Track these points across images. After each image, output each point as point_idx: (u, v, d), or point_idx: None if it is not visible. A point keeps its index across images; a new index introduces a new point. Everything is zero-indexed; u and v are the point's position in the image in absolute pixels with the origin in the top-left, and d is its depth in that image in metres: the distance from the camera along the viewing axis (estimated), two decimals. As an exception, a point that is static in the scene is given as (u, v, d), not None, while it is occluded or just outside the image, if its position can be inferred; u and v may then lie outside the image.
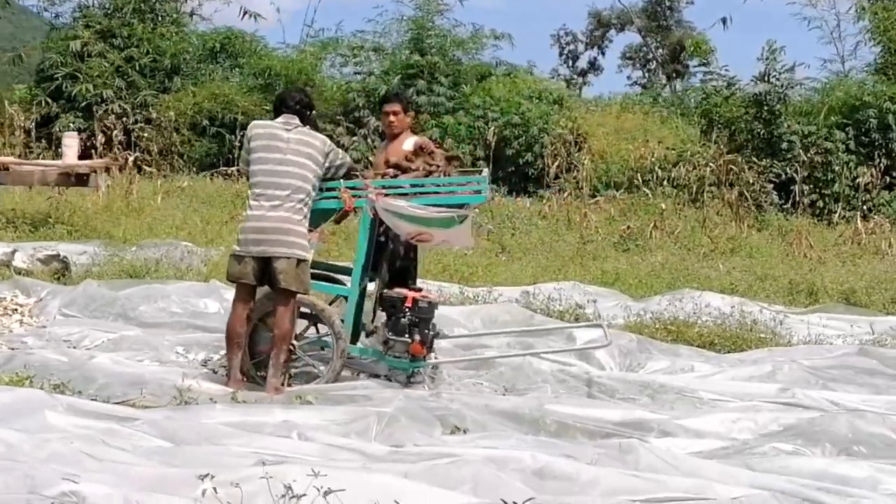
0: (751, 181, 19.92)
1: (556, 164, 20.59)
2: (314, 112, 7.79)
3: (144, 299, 9.03)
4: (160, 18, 24.21)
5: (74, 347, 7.77)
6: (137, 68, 22.47)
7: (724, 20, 34.52)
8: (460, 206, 7.53)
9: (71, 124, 21.01)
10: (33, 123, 20.64)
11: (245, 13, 25.56)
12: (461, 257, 13.77)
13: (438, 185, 7.59)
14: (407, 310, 7.37)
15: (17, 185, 14.37)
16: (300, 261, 7.04)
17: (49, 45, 23.76)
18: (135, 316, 8.83)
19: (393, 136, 8.30)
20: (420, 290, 7.69)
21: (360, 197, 7.43)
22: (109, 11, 23.96)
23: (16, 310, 8.78)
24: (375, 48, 24.98)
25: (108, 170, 16.89)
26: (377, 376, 7.64)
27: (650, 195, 19.64)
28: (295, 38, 27.26)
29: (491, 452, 5.51)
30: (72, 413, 5.54)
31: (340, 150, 7.57)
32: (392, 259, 8.10)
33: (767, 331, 9.86)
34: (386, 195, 7.41)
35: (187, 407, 6.18)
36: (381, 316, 7.63)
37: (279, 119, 7.37)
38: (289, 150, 7.15)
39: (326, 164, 7.32)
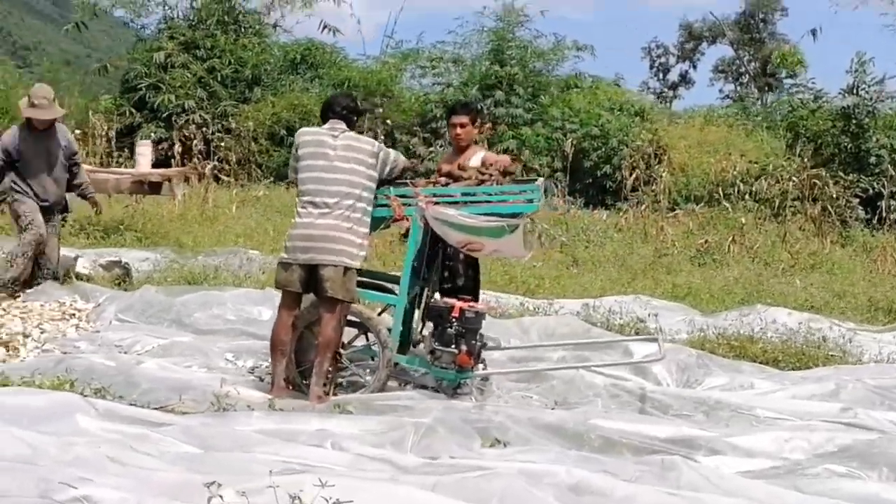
0: (835, 196, 19.48)
1: (634, 176, 20.35)
2: (361, 117, 7.72)
3: (200, 306, 9.05)
4: (243, 30, 24.48)
5: (125, 352, 7.81)
6: (219, 79, 22.74)
7: (813, 32, 34.03)
8: (514, 216, 7.40)
9: (152, 134, 21.37)
10: (115, 133, 20.95)
11: (325, 27, 25.69)
12: (529, 269, 13.65)
13: (490, 195, 7.46)
14: (454, 320, 7.27)
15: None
16: (347, 269, 6.98)
17: (134, 57, 24.21)
18: (189, 322, 8.85)
19: (460, 149, 8.24)
20: (469, 299, 7.56)
21: (409, 205, 7.33)
22: (194, 23, 24.33)
23: (73, 314, 8.87)
24: (455, 59, 25.00)
25: (187, 179, 17.15)
26: (425, 387, 7.53)
27: (730, 209, 19.31)
28: (376, 50, 27.35)
29: (526, 466, 5.40)
30: (105, 418, 5.56)
31: (392, 151, 7.50)
32: (452, 275, 8.06)
33: (836, 348, 9.56)
34: (436, 203, 7.31)
35: (224, 414, 6.16)
36: (429, 326, 7.52)
37: (326, 125, 7.32)
38: (336, 157, 7.10)
39: (379, 166, 7.23)
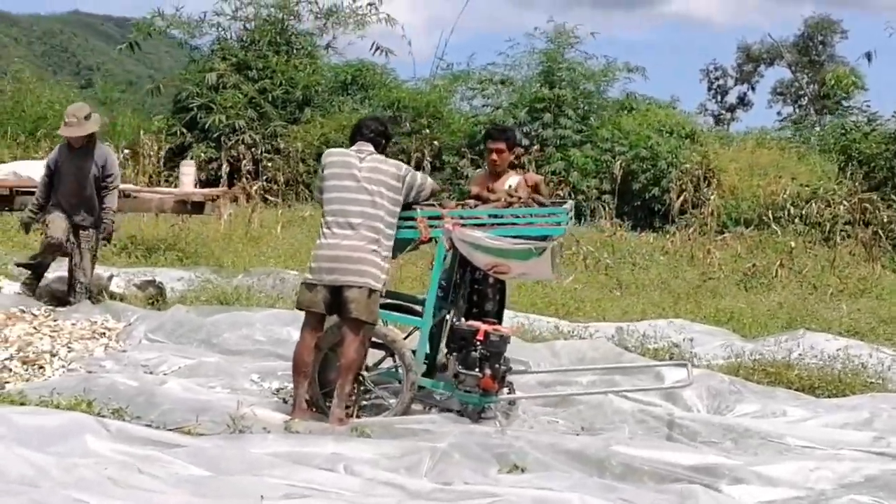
0: (887, 220, 19.18)
1: (682, 198, 20.18)
2: (390, 142, 7.69)
3: (230, 326, 9.04)
4: (294, 51, 24.63)
5: (151, 373, 7.82)
6: (270, 99, 22.86)
7: (868, 55, 33.60)
8: (543, 239, 7.34)
9: (202, 154, 21.54)
10: (165, 153, 21.14)
11: (377, 48, 25.76)
12: (570, 291, 13.59)
13: (517, 217, 7.41)
14: (478, 343, 7.21)
15: (136, 212, 14.68)
16: (371, 290, 6.94)
17: (187, 77, 24.40)
18: (218, 342, 8.84)
19: (496, 174, 8.22)
20: (494, 323, 7.50)
21: (436, 227, 7.29)
22: (246, 44, 24.49)
23: (104, 333, 8.90)
24: (504, 81, 24.98)
25: (235, 199, 17.27)
26: (450, 410, 7.46)
27: (780, 233, 19.08)
28: (426, 72, 27.34)
29: (540, 493, 5.37)
30: (117, 439, 5.56)
31: (419, 174, 7.46)
32: (480, 299, 8.02)
33: (876, 375, 9.35)
34: (463, 225, 7.27)
35: (240, 436, 6.15)
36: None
37: (353, 147, 7.30)
38: (362, 178, 7.07)
39: (405, 190, 7.20)
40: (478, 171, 8.91)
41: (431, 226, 7.30)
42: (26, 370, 7.65)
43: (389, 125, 7.84)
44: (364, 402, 7.38)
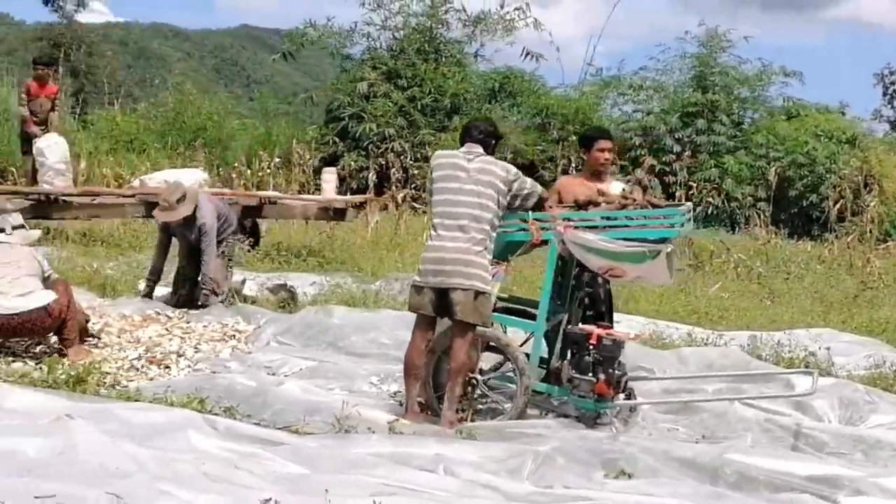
0: None
1: (839, 206, 19.54)
2: (500, 142, 7.63)
3: (356, 329, 9.12)
4: (442, 59, 24.75)
5: (273, 374, 7.93)
6: (419, 108, 23.01)
7: None
8: (663, 241, 7.18)
9: (352, 163, 21.83)
10: (318, 162, 21.48)
11: (527, 54, 25.66)
12: (715, 299, 13.30)
13: (630, 219, 7.27)
14: (591, 347, 7.10)
15: (280, 219, 14.98)
16: (478, 292, 6.89)
17: (338, 87, 24.76)
18: (344, 345, 8.93)
19: (599, 175, 8.08)
20: (609, 327, 7.38)
21: (547, 229, 7.21)
22: (396, 53, 24.73)
23: (233, 336, 9.09)
24: (656, 87, 24.63)
25: (385, 207, 17.47)
26: (568, 416, 7.36)
27: (947, 242, 18.32)
28: (575, 78, 27.01)
29: (639, 499, 5.32)
30: (223, 436, 5.64)
31: (529, 180, 7.37)
32: (593, 302, 7.93)
33: None
34: (575, 228, 7.16)
35: (345, 436, 6.16)
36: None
37: (462, 149, 7.27)
38: (469, 180, 7.03)
39: (512, 194, 7.14)
40: (566, 175, 8.73)
41: (543, 228, 7.21)
42: (152, 369, 7.84)
43: (499, 127, 7.77)
44: (480, 406, 7.34)
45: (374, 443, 5.95)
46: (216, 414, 6.30)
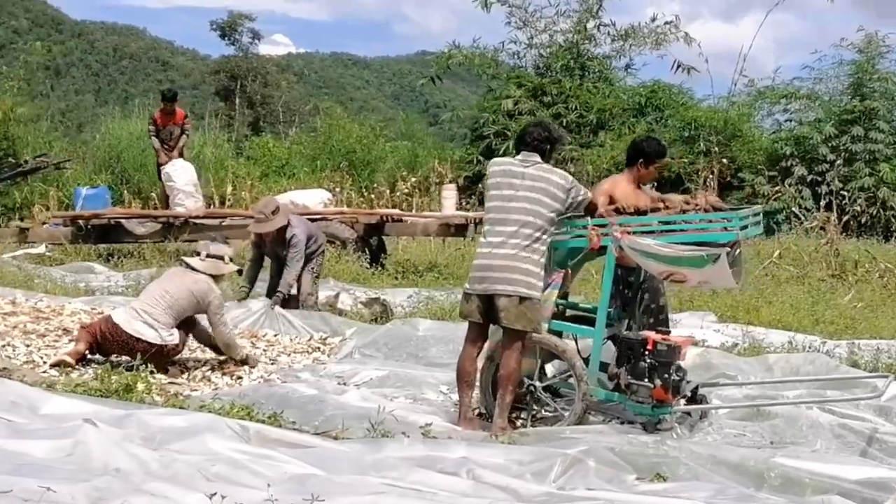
0: None
1: None
2: (557, 146, 7.56)
3: (438, 340, 9.18)
4: (588, 74, 24.61)
5: (344, 383, 8.02)
6: (564, 124, 22.91)
7: None
8: (732, 245, 7.02)
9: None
10: (461, 180, 21.62)
11: (678, 66, 25.22)
12: (846, 308, 12.77)
13: (688, 223, 7.12)
14: (646, 353, 6.97)
15: (403, 236, 15.16)
16: (523, 298, 6.85)
17: (483, 106, 24.87)
18: (424, 356, 9.00)
19: (639, 185, 8.04)
20: (668, 332, 7.22)
21: (606, 235, 7.12)
22: (542, 70, 24.71)
23: (317, 348, 9.25)
24: (809, 95, 23.89)
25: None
26: (632, 423, 7.24)
27: None
28: (724, 89, 26.26)
29: (658, 501, 5.21)
30: (245, 440, 5.78)
31: (583, 188, 7.29)
32: (655, 308, 7.80)
33: None
34: (632, 233, 7.05)
35: (379, 440, 6.20)
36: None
37: (518, 156, 7.24)
38: (522, 187, 7.01)
39: (568, 201, 7.08)
40: (610, 179, 8.57)
41: (602, 234, 7.12)
42: (223, 379, 8.05)
43: (554, 130, 7.69)
44: (545, 413, 7.30)
45: (405, 447, 5.98)
46: (260, 421, 6.41)
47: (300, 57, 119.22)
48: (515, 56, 25.56)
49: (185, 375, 8.08)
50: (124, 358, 8.00)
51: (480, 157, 23.19)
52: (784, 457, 6.07)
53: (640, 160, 8.13)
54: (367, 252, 14.03)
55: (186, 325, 8.30)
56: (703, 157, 22.02)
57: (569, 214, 7.18)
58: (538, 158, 7.17)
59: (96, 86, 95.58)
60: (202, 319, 8.42)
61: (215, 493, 4.29)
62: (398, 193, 20.76)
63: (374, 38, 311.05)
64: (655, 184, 18.72)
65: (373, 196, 20.61)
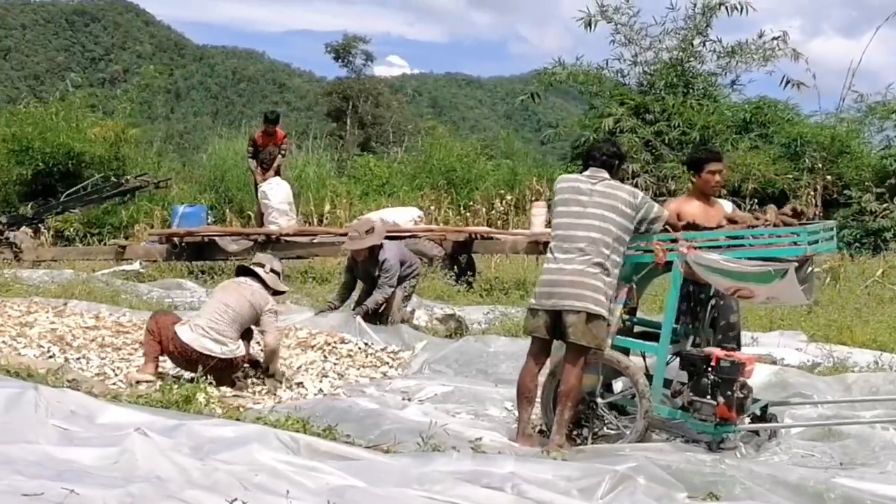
0: None
1: None
2: (624, 163, 7.50)
3: (509, 356, 9.12)
4: (692, 91, 24.29)
5: (409, 399, 8.01)
6: (666, 141, 22.66)
7: None
8: (803, 261, 6.86)
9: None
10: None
11: (787, 82, 24.68)
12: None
13: (755, 238, 6.98)
14: (709, 369, 6.84)
15: (492, 253, 15.15)
16: (591, 315, 6.78)
17: (585, 124, 24.73)
18: (493, 372, 8.97)
19: (707, 199, 7.85)
20: (731, 349, 7.07)
21: (672, 250, 7.02)
22: (645, 88, 24.48)
23: (388, 362, 9.26)
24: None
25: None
26: (697, 442, 7.10)
27: None
28: (832, 104, 25.44)
29: None
30: (294, 451, 5.78)
31: (656, 204, 7.20)
32: (725, 325, 7.67)
33: None
34: (698, 248, 6.94)
35: (429, 454, 6.17)
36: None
37: (586, 172, 7.19)
38: (590, 203, 6.96)
39: (638, 217, 7.00)
40: (679, 198, 8.45)
41: (668, 249, 7.03)
42: (287, 392, 8.12)
43: (622, 147, 7.62)
44: (607, 430, 7.21)
45: (453, 461, 5.92)
46: (314, 433, 6.44)
47: (414, 77, 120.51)
48: (619, 73, 25.34)
49: (250, 389, 8.16)
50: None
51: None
52: (847, 477, 5.92)
53: (691, 171, 8.03)
54: (456, 269, 14.02)
55: (246, 334, 8.43)
56: (807, 174, 21.55)
57: (643, 230, 7.11)
58: (606, 175, 7.12)
59: (214, 108, 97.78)
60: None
61: (235, 499, 4.30)
62: (494, 211, 20.77)
63: (489, 59, 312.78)
64: (756, 200, 18.70)
65: (468, 214, 20.63)
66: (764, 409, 7.41)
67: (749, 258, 6.87)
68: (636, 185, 21.20)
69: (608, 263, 6.88)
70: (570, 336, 6.83)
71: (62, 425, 5.86)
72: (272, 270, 8.65)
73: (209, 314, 8.24)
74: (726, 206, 7.81)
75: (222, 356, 8.05)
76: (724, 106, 24.56)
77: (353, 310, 10.65)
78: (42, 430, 5.51)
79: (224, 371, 8.03)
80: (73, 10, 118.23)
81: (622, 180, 7.61)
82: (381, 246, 10.77)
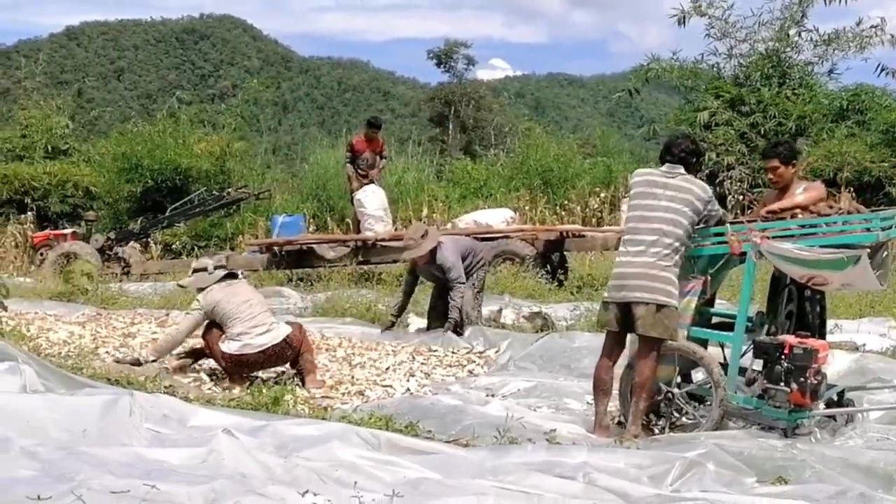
0: None
1: None
2: (701, 160, 7.65)
3: (593, 351, 9.12)
4: (787, 81, 24.04)
5: (492, 395, 8.24)
6: (763, 133, 22.46)
7: None
8: (877, 247, 6.94)
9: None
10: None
11: (882, 69, 24.30)
12: None
13: (824, 225, 7.08)
14: (782, 356, 6.94)
15: (584, 251, 15.28)
16: (660, 306, 6.95)
17: (680, 118, 24.63)
18: (576, 367, 9.11)
19: (782, 190, 7.99)
20: (805, 336, 7.16)
21: (746, 241, 7.16)
22: (740, 80, 24.30)
23: (473, 361, 9.51)
24: None
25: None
26: (773, 429, 7.20)
27: None
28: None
29: (769, 502, 5.21)
30: (375, 448, 6.02)
31: (717, 203, 7.37)
32: (800, 313, 7.76)
33: None
34: (770, 238, 7.07)
35: (505, 446, 6.37)
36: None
37: (663, 167, 7.36)
38: (664, 197, 7.14)
39: (704, 213, 7.18)
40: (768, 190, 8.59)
41: (742, 240, 7.17)
42: (375, 392, 8.42)
43: (699, 144, 7.77)
44: (685, 420, 7.36)
45: (528, 452, 6.12)
46: (397, 430, 6.70)
47: (516, 80, 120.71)
48: (715, 67, 25.16)
49: (338, 389, 8.49)
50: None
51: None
52: (917, 460, 5.99)
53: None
54: (549, 268, 14.19)
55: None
56: (907, 162, 21.16)
57: (700, 226, 7.28)
58: (682, 170, 7.28)
59: (321, 118, 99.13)
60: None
61: (307, 491, 4.56)
62: (589, 209, 20.87)
63: (590, 57, 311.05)
64: (852, 189, 18.46)
65: (563, 213, 20.75)
66: (840, 394, 7.48)
67: (823, 246, 6.98)
68: (731, 178, 21.17)
69: (678, 256, 7.05)
70: (639, 328, 7.01)
71: (155, 428, 6.20)
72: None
73: (258, 312, 8.73)
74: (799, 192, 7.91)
75: (280, 339, 8.63)
76: (821, 94, 24.22)
77: (443, 328, 10.84)
78: (135, 434, 5.83)
79: (290, 357, 8.75)
80: (182, 29, 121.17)
81: (700, 172, 7.77)
82: (438, 247, 11.02)
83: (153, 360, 8.73)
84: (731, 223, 7.36)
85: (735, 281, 9.66)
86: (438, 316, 11.03)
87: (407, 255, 11.09)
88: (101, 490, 4.45)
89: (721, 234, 7.27)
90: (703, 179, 17.57)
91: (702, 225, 7.26)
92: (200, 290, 8.88)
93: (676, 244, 7.04)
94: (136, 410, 6.01)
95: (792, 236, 7.13)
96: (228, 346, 8.52)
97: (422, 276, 11.37)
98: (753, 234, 7.13)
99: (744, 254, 7.21)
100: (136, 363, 8.69)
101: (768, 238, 7.09)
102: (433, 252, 10.92)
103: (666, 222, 7.06)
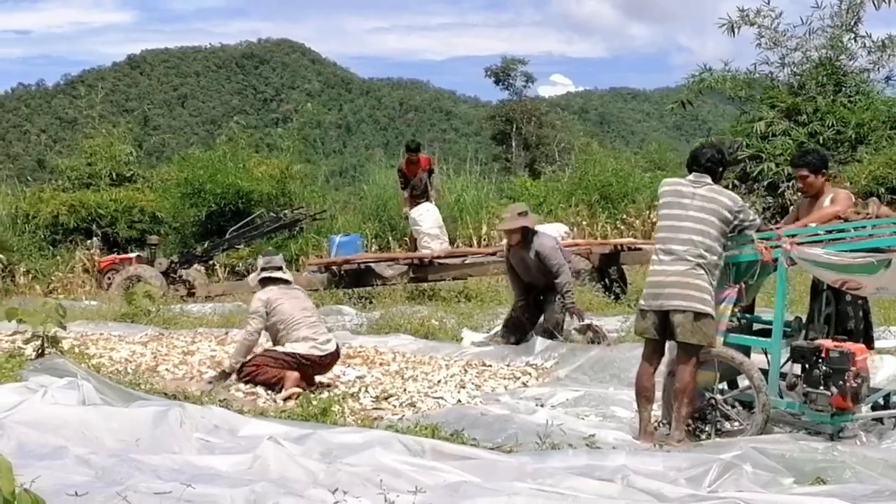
0: None
1: None
2: (728, 169, 7.78)
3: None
4: (843, 89, 23.88)
5: (541, 405, 8.39)
6: (821, 142, 22.33)
7: None
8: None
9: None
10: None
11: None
12: None
13: (856, 230, 7.18)
14: (820, 360, 7.02)
15: (636, 264, 15.35)
16: (698, 314, 7.06)
17: (737, 129, 24.56)
18: (625, 377, 9.20)
19: (813, 198, 8.08)
20: (844, 340, 7.23)
21: (776, 247, 7.26)
22: (795, 89, 24.17)
23: (527, 373, 9.67)
24: None
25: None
26: (819, 433, 7.28)
27: None
28: None
29: (809, 501, 5.25)
30: (418, 454, 6.19)
31: (751, 212, 7.48)
32: (840, 318, 7.84)
33: None
34: (800, 244, 7.17)
35: (546, 451, 6.53)
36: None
37: (690, 177, 7.47)
38: (692, 207, 7.25)
39: (734, 223, 7.29)
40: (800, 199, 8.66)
41: (773, 247, 7.26)
42: (427, 403, 8.62)
43: (726, 152, 7.87)
44: (730, 426, 7.45)
45: (569, 457, 6.27)
46: (443, 438, 6.87)
47: (579, 95, 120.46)
48: (769, 77, 25.06)
49: (388, 401, 8.68)
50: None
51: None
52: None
53: None
54: (606, 281, 14.29)
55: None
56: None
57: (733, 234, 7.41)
58: (709, 180, 7.40)
59: (385, 139, 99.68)
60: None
61: (336, 489, 4.75)
62: (648, 223, 20.90)
63: (651, 70, 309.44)
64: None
65: (623, 227, 20.81)
66: (887, 397, 7.54)
67: (853, 250, 7.05)
68: (791, 188, 21.05)
69: (709, 265, 7.18)
70: (678, 335, 7.14)
71: (205, 438, 6.44)
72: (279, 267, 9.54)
73: (315, 321, 9.17)
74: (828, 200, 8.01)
75: (335, 348, 9.14)
76: (878, 101, 24.00)
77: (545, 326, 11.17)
78: (186, 443, 6.07)
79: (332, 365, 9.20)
80: (242, 54, 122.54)
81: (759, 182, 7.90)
82: (535, 233, 11.21)
83: (237, 365, 9.13)
84: (759, 231, 7.46)
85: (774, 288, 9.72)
86: (517, 330, 11.19)
87: (501, 225, 11.28)
88: (146, 492, 4.67)
89: (749, 242, 7.39)
90: (762, 189, 17.68)
91: (735, 234, 7.35)
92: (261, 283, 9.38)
93: (707, 253, 7.16)
94: (186, 421, 6.25)
95: (821, 241, 7.25)
96: (295, 347, 8.87)
97: (514, 264, 11.43)
98: (783, 240, 7.23)
99: (776, 260, 7.31)
100: (224, 375, 9.08)
101: (798, 244, 7.19)
102: (527, 238, 11.12)
103: (695, 232, 7.19)
